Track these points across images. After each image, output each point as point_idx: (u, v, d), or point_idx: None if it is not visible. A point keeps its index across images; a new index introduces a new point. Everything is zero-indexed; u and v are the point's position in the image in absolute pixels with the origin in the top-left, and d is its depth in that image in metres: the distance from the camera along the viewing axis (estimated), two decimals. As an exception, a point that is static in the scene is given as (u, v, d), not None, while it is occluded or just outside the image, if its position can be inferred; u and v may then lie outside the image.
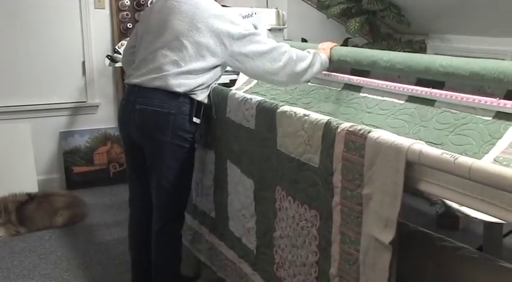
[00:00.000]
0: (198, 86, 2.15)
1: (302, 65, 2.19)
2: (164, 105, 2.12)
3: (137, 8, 4.13)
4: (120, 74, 4.18)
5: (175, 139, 2.16)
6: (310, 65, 2.22)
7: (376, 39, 4.42)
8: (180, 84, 2.11)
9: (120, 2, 4.09)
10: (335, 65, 2.38)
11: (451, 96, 1.87)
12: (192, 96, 2.16)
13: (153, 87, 2.12)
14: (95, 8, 4.05)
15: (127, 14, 4.10)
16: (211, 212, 2.45)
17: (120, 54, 3.46)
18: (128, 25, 4.10)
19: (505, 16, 3.55)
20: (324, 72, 2.36)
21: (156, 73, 2.12)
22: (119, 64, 3.70)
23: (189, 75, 2.12)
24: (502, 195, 1.15)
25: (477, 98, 1.78)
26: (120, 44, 3.58)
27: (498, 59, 3.57)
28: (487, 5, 3.54)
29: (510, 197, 1.13)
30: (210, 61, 2.12)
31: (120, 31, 4.12)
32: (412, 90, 2.03)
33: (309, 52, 2.27)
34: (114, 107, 4.27)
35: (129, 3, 4.10)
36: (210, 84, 2.22)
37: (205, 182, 2.47)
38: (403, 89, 2.08)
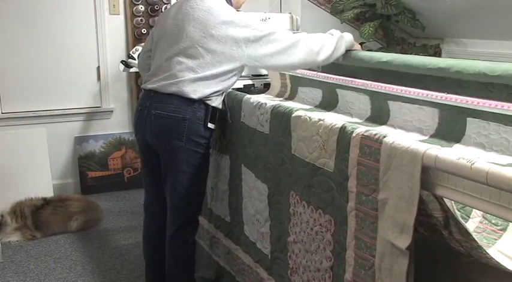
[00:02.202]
0: (214, 93, 2.16)
1: (324, 54, 2.16)
2: (179, 110, 2.12)
3: (151, 13, 4.16)
4: (135, 79, 4.21)
5: (190, 144, 2.16)
6: (335, 49, 2.18)
7: (391, 44, 4.40)
8: (195, 90, 2.11)
9: (134, 8, 4.11)
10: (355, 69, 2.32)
11: (490, 105, 1.64)
12: (207, 102, 2.16)
13: (168, 93, 2.13)
14: (110, 14, 4.08)
15: (141, 20, 4.12)
16: (226, 216, 2.45)
17: (135, 59, 3.48)
18: (142, 31, 4.13)
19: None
20: (349, 78, 2.27)
21: (171, 79, 2.13)
22: (133, 69, 3.73)
23: (205, 81, 2.12)
24: (520, 200, 1.13)
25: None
26: (134, 49, 3.60)
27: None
28: (503, 8, 3.51)
29: (529, 202, 1.12)
30: (228, 66, 2.12)
31: (135, 36, 4.14)
32: (446, 98, 1.79)
33: (332, 34, 2.22)
34: (128, 112, 4.29)
35: (143, 8, 4.13)
36: (225, 90, 2.23)
37: (220, 186, 2.47)
38: (435, 96, 1.85)
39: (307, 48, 2.13)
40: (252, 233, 2.23)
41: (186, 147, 2.17)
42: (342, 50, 2.22)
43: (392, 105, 2.06)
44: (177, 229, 2.30)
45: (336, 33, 2.23)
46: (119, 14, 4.12)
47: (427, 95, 1.85)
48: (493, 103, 1.61)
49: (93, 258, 3.15)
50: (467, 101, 1.69)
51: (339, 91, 2.32)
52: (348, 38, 2.25)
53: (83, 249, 3.26)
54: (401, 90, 1.94)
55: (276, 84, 2.74)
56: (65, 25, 3.95)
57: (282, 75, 2.67)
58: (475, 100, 1.67)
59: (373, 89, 2.07)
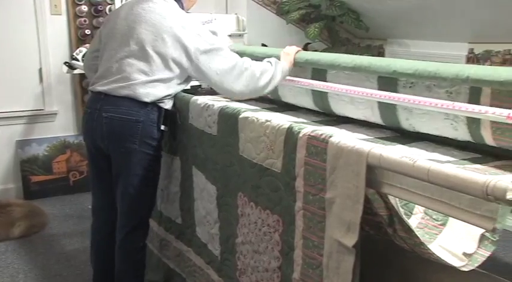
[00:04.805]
0: (166, 96, 2.15)
1: (264, 80, 2.13)
2: (132, 113, 2.10)
3: (95, 14, 4.07)
4: (79, 81, 4.11)
5: (143, 147, 2.14)
6: (272, 78, 2.14)
7: (336, 44, 4.47)
8: (148, 93, 2.09)
9: (77, 8, 4.02)
10: (298, 70, 2.30)
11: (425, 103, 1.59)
12: (160, 104, 2.15)
13: (120, 96, 2.09)
14: (51, 14, 3.97)
15: (85, 21, 4.03)
16: (177, 218, 2.43)
17: (78, 61, 3.41)
18: (86, 31, 4.04)
19: (459, 22, 3.65)
20: (287, 77, 2.26)
21: (123, 82, 2.09)
22: (77, 71, 3.64)
23: (157, 84, 2.10)
24: (460, 196, 1.17)
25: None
26: (78, 50, 3.52)
27: (452, 63, 3.68)
28: (442, 10, 3.63)
29: (468, 199, 1.16)
30: (176, 72, 2.10)
31: (78, 38, 4.05)
32: (381, 95, 1.74)
33: (270, 62, 2.18)
34: (73, 115, 4.20)
35: (86, 9, 4.04)
36: (176, 94, 2.23)
37: (171, 188, 2.46)
38: (370, 95, 1.80)
39: (250, 72, 2.10)
40: (203, 235, 2.22)
41: (140, 149, 2.14)
42: (278, 78, 2.15)
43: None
44: (127, 233, 2.27)
45: (274, 61, 2.18)
46: (61, 14, 4.01)
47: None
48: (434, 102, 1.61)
49: (36, 265, 3.06)
50: (409, 100, 1.68)
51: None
52: (285, 68, 2.17)
53: (26, 256, 3.16)
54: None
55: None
56: (3, 25, 3.82)
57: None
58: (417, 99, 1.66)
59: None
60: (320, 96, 2.06)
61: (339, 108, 2.01)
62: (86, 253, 2.59)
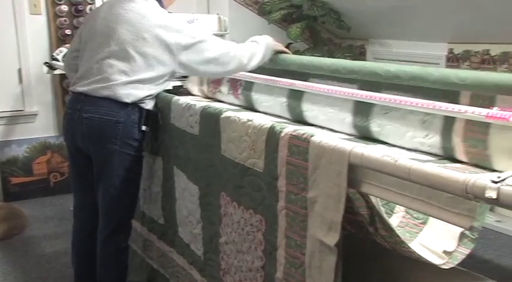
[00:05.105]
0: (147, 96, 2.14)
1: (252, 64, 2.17)
2: (113, 113, 2.08)
3: (75, 14, 4.03)
4: (59, 82, 4.07)
5: (124, 147, 2.13)
6: (262, 58, 2.19)
7: (317, 44, 4.49)
8: (129, 94, 2.08)
9: (57, 8, 3.98)
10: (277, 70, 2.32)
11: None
12: (141, 105, 2.14)
13: (101, 96, 2.08)
14: (31, 14, 3.92)
15: (65, 20, 3.99)
16: (159, 218, 2.42)
17: (59, 61, 3.38)
18: (66, 31, 4.00)
19: (439, 22, 3.68)
20: (268, 77, 2.28)
21: (103, 82, 2.08)
22: (57, 71, 3.61)
23: (138, 85, 2.09)
24: (438, 195, 1.18)
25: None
26: (58, 50, 3.49)
27: (433, 63, 3.73)
28: (422, 11, 3.66)
29: (446, 197, 1.17)
30: (159, 70, 2.09)
31: (58, 38, 4.01)
32: (357, 95, 1.76)
33: (257, 42, 2.21)
34: (53, 116, 4.16)
35: (67, 9, 4.00)
36: (158, 94, 2.22)
37: (153, 188, 2.45)
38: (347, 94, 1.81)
39: (237, 60, 2.14)
40: (185, 235, 2.21)
41: (121, 150, 2.13)
42: (267, 58, 2.22)
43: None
44: (109, 234, 2.25)
45: (261, 40, 2.22)
46: (40, 14, 3.97)
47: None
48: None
49: (15, 267, 3.02)
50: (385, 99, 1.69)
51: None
52: (271, 43, 2.24)
53: (4, 259, 3.12)
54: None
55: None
56: (-19, 25, 3.78)
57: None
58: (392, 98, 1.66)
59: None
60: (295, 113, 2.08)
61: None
62: (67, 255, 2.57)
